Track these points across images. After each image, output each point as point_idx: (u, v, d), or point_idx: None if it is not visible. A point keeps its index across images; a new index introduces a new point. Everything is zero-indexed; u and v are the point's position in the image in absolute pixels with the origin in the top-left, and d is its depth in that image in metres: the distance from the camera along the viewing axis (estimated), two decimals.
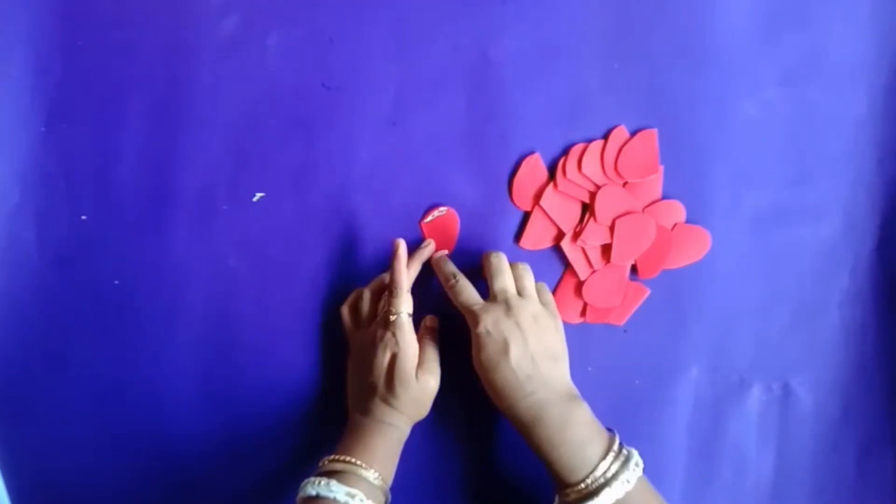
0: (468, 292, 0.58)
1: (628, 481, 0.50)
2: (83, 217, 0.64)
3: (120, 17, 0.64)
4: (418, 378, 0.57)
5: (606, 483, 0.50)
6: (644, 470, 0.54)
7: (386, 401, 0.57)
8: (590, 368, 0.62)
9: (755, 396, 0.63)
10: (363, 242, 0.64)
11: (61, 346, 0.64)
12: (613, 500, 0.50)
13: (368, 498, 0.52)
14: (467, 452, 0.63)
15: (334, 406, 0.63)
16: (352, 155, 0.64)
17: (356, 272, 0.63)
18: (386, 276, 0.61)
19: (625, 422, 0.61)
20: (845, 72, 0.63)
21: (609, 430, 0.54)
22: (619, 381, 0.63)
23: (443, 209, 0.63)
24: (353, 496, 0.51)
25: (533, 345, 0.55)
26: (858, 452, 0.63)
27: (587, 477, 0.51)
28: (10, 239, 0.64)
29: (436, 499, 0.63)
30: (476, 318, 0.56)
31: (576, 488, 0.51)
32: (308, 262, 0.63)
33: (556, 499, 0.54)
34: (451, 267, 0.60)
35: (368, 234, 0.64)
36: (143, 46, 0.64)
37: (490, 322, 0.55)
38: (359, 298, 0.62)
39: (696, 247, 0.62)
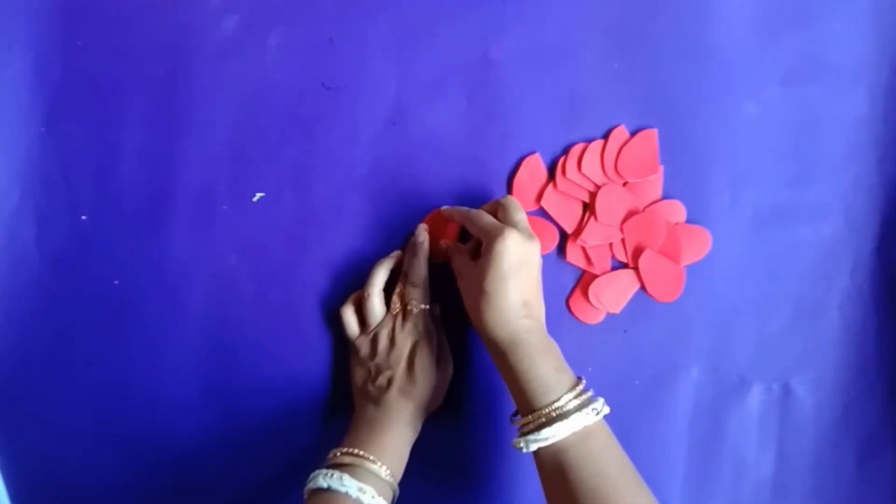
0: (488, 216, 0.57)
1: (587, 416, 0.51)
2: (83, 217, 0.64)
3: (120, 17, 0.64)
4: (438, 365, 0.58)
5: (563, 415, 0.50)
6: (644, 470, 0.54)
7: (405, 392, 0.57)
8: (590, 368, 0.62)
9: (755, 396, 0.63)
10: (363, 242, 0.64)
11: (61, 346, 0.64)
12: (568, 433, 0.50)
13: (379, 494, 0.52)
14: (472, 446, 0.63)
15: (335, 406, 0.63)
16: (352, 155, 0.64)
17: (356, 272, 0.63)
18: (377, 275, 0.60)
19: (625, 422, 0.62)
20: (845, 72, 0.63)
21: (578, 376, 0.54)
22: (619, 381, 0.63)
23: (443, 209, 0.63)
24: (363, 492, 0.51)
25: (537, 276, 0.56)
26: (858, 452, 0.63)
27: (550, 405, 0.51)
28: (10, 239, 0.64)
29: (440, 492, 0.63)
30: (501, 232, 0.54)
31: (536, 415, 0.51)
32: (308, 262, 0.63)
33: (518, 431, 0.54)
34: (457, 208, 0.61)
35: (368, 234, 0.64)
36: (143, 46, 0.64)
37: (514, 239, 0.54)
38: (359, 301, 0.61)
39: (696, 247, 0.62)
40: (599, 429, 0.51)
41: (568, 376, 0.53)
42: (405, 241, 0.63)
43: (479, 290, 0.54)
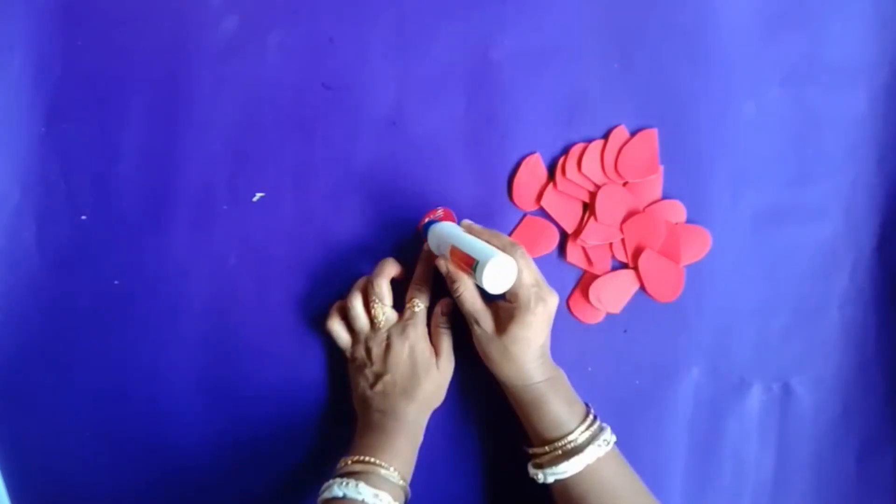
0: (531, 274, 0.56)
1: (599, 448, 0.54)
2: (83, 217, 0.64)
3: (120, 17, 0.64)
4: (438, 366, 0.59)
5: (577, 449, 0.54)
6: (644, 470, 0.55)
7: (408, 394, 0.57)
8: (590, 368, 0.62)
9: (755, 396, 0.63)
10: (363, 242, 0.64)
11: (61, 346, 0.64)
12: (583, 465, 0.53)
13: (394, 500, 0.52)
14: (473, 441, 0.63)
15: (336, 405, 0.63)
16: (352, 155, 0.64)
17: (355, 272, 0.63)
18: (356, 285, 0.61)
19: (625, 422, 0.62)
20: (845, 72, 0.63)
21: (585, 403, 0.57)
22: (619, 381, 0.63)
23: (440, 211, 0.63)
24: (379, 498, 0.52)
25: (548, 332, 0.57)
26: (858, 452, 0.63)
27: (563, 438, 0.54)
28: (10, 239, 0.64)
29: (443, 487, 0.63)
30: (546, 298, 0.55)
31: (549, 450, 0.54)
32: (308, 262, 0.63)
33: (530, 462, 0.57)
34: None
35: (368, 234, 0.64)
36: (143, 46, 0.64)
37: (555, 304, 0.56)
38: (343, 312, 0.61)
39: (696, 247, 0.62)
40: (611, 456, 0.54)
41: (578, 408, 0.56)
42: (405, 241, 0.63)
43: (506, 348, 0.55)
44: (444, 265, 0.57)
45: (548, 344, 0.58)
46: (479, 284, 0.54)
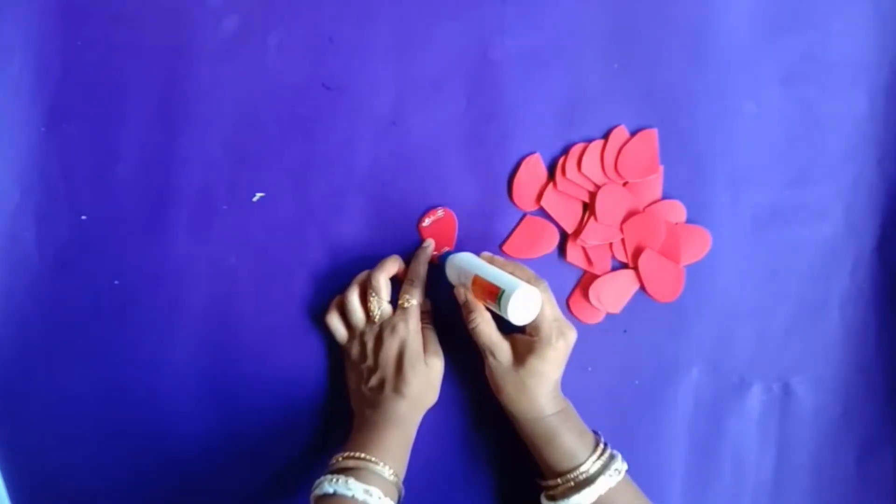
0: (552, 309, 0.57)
1: (610, 478, 0.53)
2: (83, 217, 0.64)
3: (120, 17, 0.64)
4: (426, 362, 0.58)
5: (589, 480, 0.53)
6: (644, 470, 0.55)
7: (397, 390, 0.57)
8: (590, 368, 0.62)
9: (755, 396, 0.63)
10: (363, 242, 0.64)
11: (61, 346, 0.64)
12: (596, 496, 0.53)
13: (385, 495, 0.52)
14: (473, 442, 0.63)
15: (335, 404, 0.63)
16: (352, 155, 0.64)
17: (355, 272, 0.63)
18: (355, 280, 0.61)
19: (625, 422, 0.62)
20: (845, 72, 0.63)
21: (594, 431, 0.57)
22: (619, 381, 0.63)
23: (440, 212, 0.63)
24: (370, 493, 0.51)
25: (564, 367, 0.58)
26: (858, 452, 0.63)
27: (575, 469, 0.54)
28: (10, 239, 0.64)
29: (443, 490, 0.63)
30: (566, 334, 0.56)
31: (561, 482, 0.54)
32: (308, 262, 0.64)
33: (543, 493, 0.56)
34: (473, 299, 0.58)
35: (368, 233, 0.64)
36: (143, 46, 0.64)
37: (573, 339, 0.57)
38: (342, 307, 0.61)
39: (696, 247, 0.62)
40: (623, 485, 0.54)
41: (588, 438, 0.56)
42: (405, 241, 0.63)
43: (522, 381, 0.56)
44: (463, 294, 0.58)
45: (560, 378, 0.58)
46: (502, 314, 0.54)
